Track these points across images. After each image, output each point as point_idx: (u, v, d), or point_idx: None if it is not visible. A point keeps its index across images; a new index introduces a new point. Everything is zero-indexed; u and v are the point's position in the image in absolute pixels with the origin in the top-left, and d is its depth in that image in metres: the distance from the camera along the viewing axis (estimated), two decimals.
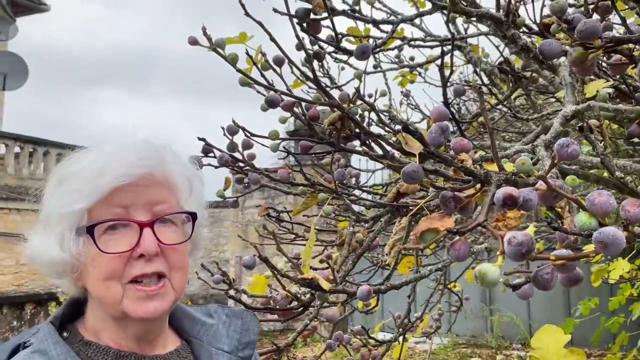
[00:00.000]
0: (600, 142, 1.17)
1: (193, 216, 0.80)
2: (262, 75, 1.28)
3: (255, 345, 0.91)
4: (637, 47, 0.87)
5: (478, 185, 0.68)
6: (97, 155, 0.74)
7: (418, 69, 2.36)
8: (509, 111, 1.61)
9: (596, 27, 0.66)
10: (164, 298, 0.74)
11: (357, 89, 1.05)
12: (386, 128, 1.99)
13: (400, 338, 2.03)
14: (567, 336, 1.29)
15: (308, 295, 1.11)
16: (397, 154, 1.20)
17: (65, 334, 0.74)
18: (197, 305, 0.93)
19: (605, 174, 1.66)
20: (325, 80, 2.34)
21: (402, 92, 2.46)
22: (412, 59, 2.35)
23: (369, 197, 1.89)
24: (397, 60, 2.21)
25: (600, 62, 1.05)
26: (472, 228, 0.60)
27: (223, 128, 1.33)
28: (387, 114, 2.55)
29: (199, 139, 1.34)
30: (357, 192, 1.71)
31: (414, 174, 0.67)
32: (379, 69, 2.27)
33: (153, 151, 0.76)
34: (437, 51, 2.30)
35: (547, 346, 1.30)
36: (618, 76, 1.07)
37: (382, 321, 2.42)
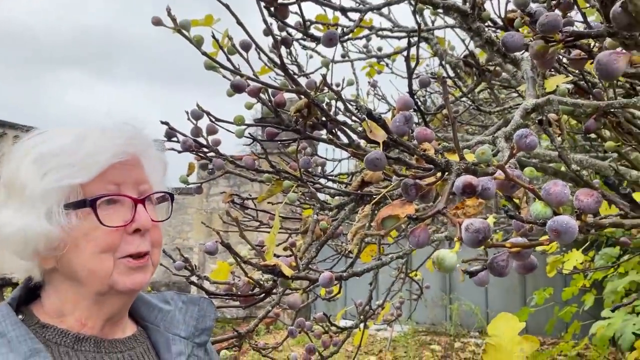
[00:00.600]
0: (558, 136, 1.21)
1: (171, 196, 0.84)
2: (229, 60, 1.26)
3: (211, 332, 0.92)
4: (596, 43, 0.90)
5: (439, 174, 0.69)
6: (83, 133, 0.75)
7: (385, 59, 2.38)
8: (472, 104, 1.63)
9: (557, 21, 0.67)
10: (146, 271, 0.77)
11: (324, 77, 1.04)
12: (353, 117, 2.00)
13: (362, 325, 2.05)
14: (522, 324, 1.33)
15: (270, 282, 1.11)
16: (362, 142, 1.21)
17: (20, 317, 0.73)
18: (152, 292, 0.92)
19: (563, 168, 1.72)
20: (293, 68, 2.32)
21: (369, 82, 2.47)
22: (379, 49, 2.36)
23: (335, 185, 1.90)
24: (365, 50, 2.22)
25: (560, 57, 1.07)
26: (431, 215, 0.61)
27: (187, 112, 1.31)
28: (354, 104, 2.56)
29: (162, 122, 1.31)
30: (322, 180, 1.72)
31: (377, 161, 0.68)
32: (347, 58, 2.27)
33: (137, 133, 0.80)
34: (404, 42, 2.32)
35: (502, 333, 1.34)
36: (577, 72, 1.10)
37: (345, 308, 2.45)
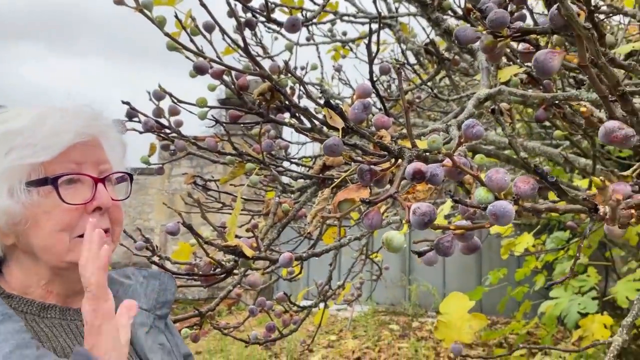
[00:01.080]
0: (509, 125, 1.27)
1: (130, 177, 0.85)
2: (192, 41, 1.26)
3: (172, 305, 0.94)
4: (545, 37, 0.95)
5: (392, 160, 0.72)
6: (44, 113, 0.76)
7: (350, 44, 2.40)
8: (432, 91, 1.68)
9: (505, 18, 0.71)
10: (109, 248, 0.77)
11: (287, 62, 1.06)
12: (317, 101, 2.02)
13: (322, 305, 2.11)
14: (472, 302, 1.41)
15: (232, 263, 1.13)
16: (325, 127, 1.24)
17: None
18: (114, 270, 0.94)
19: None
20: (257, 49, 2.32)
21: (334, 67, 2.49)
22: (344, 33, 2.38)
23: (297, 168, 1.92)
24: (329, 34, 2.24)
25: (513, 50, 1.13)
26: (384, 199, 0.64)
27: (149, 93, 1.31)
28: (318, 87, 2.58)
29: (124, 102, 1.30)
30: (286, 163, 1.74)
31: (334, 147, 0.71)
32: (311, 41, 2.28)
33: (97, 114, 0.81)
34: (369, 28, 2.35)
35: (453, 311, 1.41)
36: (527, 63, 1.15)
37: (306, 288, 2.49)
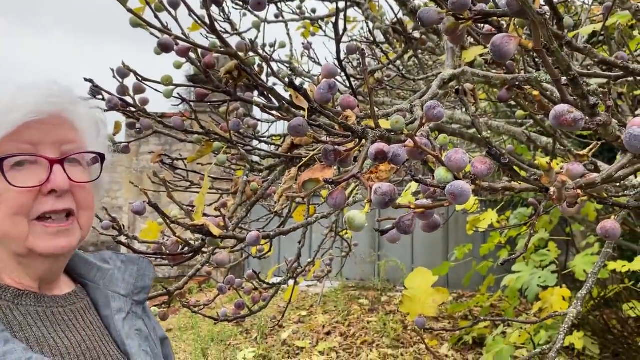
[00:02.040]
0: (472, 105, 1.30)
1: (102, 157, 0.81)
2: (156, 17, 1.23)
3: (149, 290, 0.94)
4: (507, 19, 0.97)
5: (357, 140, 0.74)
6: (2, 91, 0.72)
7: (320, 22, 2.39)
8: (399, 71, 1.70)
9: (466, 0, 0.72)
10: (72, 235, 0.75)
11: (252, 41, 1.06)
12: (283, 80, 2.01)
13: (291, 281, 2.13)
14: (435, 277, 1.45)
15: (199, 242, 1.14)
16: (291, 107, 1.24)
17: None
18: (89, 253, 0.93)
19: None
20: (225, 26, 2.29)
21: (303, 45, 2.47)
22: (313, 11, 2.36)
23: (266, 147, 1.92)
24: (298, 11, 2.22)
25: (478, 31, 1.14)
26: (347, 179, 0.66)
27: (113, 70, 1.28)
28: (288, 65, 2.56)
29: (86, 80, 1.27)
30: (255, 142, 1.74)
31: (299, 127, 0.71)
32: (280, 18, 2.26)
33: (60, 91, 0.76)
34: (340, 5, 2.33)
35: (418, 286, 1.46)
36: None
37: (277, 266, 2.52)
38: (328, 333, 4.76)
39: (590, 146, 0.69)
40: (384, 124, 0.81)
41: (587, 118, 0.54)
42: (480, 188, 0.67)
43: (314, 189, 0.73)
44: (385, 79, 2.06)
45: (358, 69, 3.19)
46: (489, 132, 2.31)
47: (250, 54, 1.74)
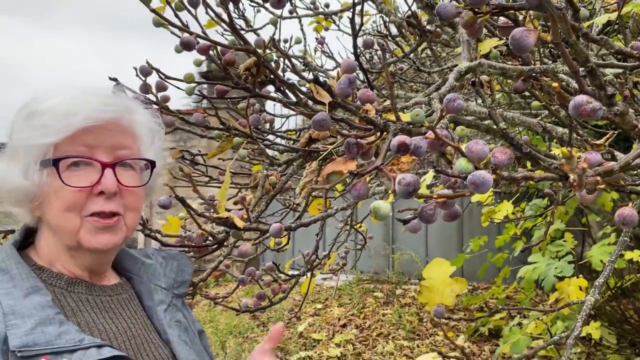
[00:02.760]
0: (489, 97, 1.31)
1: (152, 164, 0.86)
2: (176, 16, 1.26)
3: (188, 284, 0.99)
4: (523, 12, 0.98)
5: (378, 133, 0.76)
6: (66, 96, 0.77)
7: (333, 16, 2.40)
8: (414, 64, 1.71)
9: None
10: (116, 232, 0.80)
11: (272, 38, 1.08)
12: (303, 75, 2.03)
13: (308, 273, 2.17)
14: (453, 267, 1.47)
15: (223, 234, 1.17)
16: (310, 102, 1.27)
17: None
18: (134, 249, 0.99)
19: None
20: (240, 22, 2.31)
21: (317, 39, 2.49)
22: (327, 5, 2.38)
23: (283, 142, 1.95)
24: (312, 6, 2.24)
25: (494, 24, 1.16)
26: (370, 170, 0.68)
27: (135, 69, 1.31)
28: (302, 60, 2.59)
29: (111, 78, 1.31)
30: (271, 137, 1.77)
31: (323, 122, 0.74)
32: (294, 14, 2.28)
33: (119, 99, 0.82)
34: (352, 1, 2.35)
35: (436, 276, 1.48)
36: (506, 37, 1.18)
37: (292, 259, 2.55)
38: (344, 325, 4.80)
39: (607, 135, 0.71)
40: (404, 116, 0.83)
41: (605, 108, 0.56)
42: (501, 177, 0.69)
43: (338, 181, 0.76)
44: (399, 72, 2.08)
45: (369, 62, 3.20)
46: (504, 123, 2.31)
47: (267, 50, 1.77)
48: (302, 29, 2.49)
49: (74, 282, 0.79)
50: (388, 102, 1.42)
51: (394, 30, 2.26)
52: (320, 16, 2.41)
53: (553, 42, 0.56)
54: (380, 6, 1.92)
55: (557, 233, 3.37)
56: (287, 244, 1.87)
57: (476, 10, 0.78)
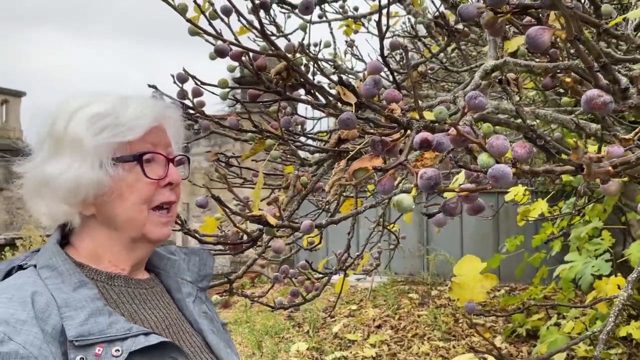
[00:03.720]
0: (516, 94, 1.32)
1: (188, 159, 0.97)
2: (210, 24, 1.32)
3: (211, 277, 1.04)
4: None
5: (402, 131, 0.79)
6: (129, 98, 0.86)
7: (362, 19, 2.44)
8: (442, 64, 1.73)
9: None
10: (171, 225, 0.90)
11: (301, 43, 1.13)
12: (331, 78, 2.08)
13: (341, 272, 2.20)
14: (483, 264, 1.49)
15: (257, 232, 1.22)
16: (339, 103, 1.31)
17: None
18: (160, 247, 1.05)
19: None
20: (271, 28, 2.38)
21: (346, 42, 2.53)
22: (356, 9, 2.42)
23: (314, 143, 2.00)
24: (341, 10, 2.28)
25: (518, 23, 1.17)
26: (395, 166, 0.72)
27: (173, 76, 1.38)
28: (332, 63, 2.63)
29: (150, 86, 1.38)
30: (302, 138, 1.81)
31: (348, 121, 0.78)
32: (324, 18, 2.32)
33: (167, 104, 0.94)
34: (382, 2, 2.38)
35: (466, 272, 1.50)
36: None
37: (326, 258, 2.59)
38: (379, 326, 4.81)
39: (636, 130, 0.72)
40: (428, 115, 0.86)
41: (621, 101, 0.58)
42: (522, 171, 0.71)
43: (364, 177, 0.79)
44: (429, 72, 2.09)
45: (401, 63, 3.22)
46: (537, 120, 2.30)
47: (297, 54, 1.82)
48: (331, 33, 2.53)
49: (113, 277, 0.84)
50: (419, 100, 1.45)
51: (423, 31, 2.28)
52: (350, 19, 2.45)
53: (567, 39, 0.59)
54: (408, 7, 1.94)
55: (595, 231, 3.30)
56: (320, 243, 1.91)
57: (497, 10, 0.81)
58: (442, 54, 1.98)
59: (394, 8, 2.79)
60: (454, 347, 4.20)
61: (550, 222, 4.07)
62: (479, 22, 1.46)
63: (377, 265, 3.03)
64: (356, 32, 2.58)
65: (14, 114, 10.25)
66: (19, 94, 9.60)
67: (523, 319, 4.10)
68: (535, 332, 3.86)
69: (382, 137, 0.78)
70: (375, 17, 2.53)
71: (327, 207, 2.10)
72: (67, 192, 0.81)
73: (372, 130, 0.81)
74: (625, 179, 0.79)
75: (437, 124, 0.80)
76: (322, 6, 2.37)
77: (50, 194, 0.81)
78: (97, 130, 0.81)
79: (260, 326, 4.97)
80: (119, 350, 0.72)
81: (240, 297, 1.85)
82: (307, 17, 1.95)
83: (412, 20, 2.09)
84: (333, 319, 4.90)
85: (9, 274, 0.81)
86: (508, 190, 2.86)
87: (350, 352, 4.21)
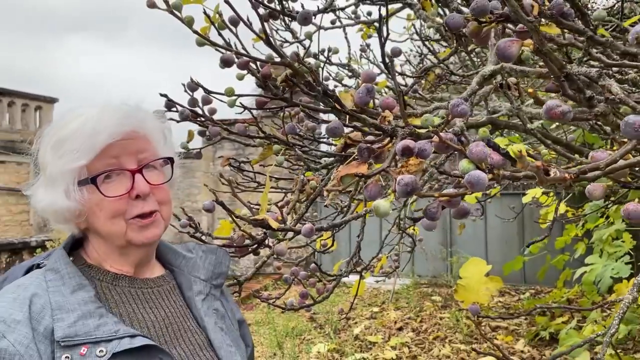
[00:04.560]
0: (517, 98, 1.33)
1: (171, 160, 0.97)
2: (220, 34, 1.38)
3: (226, 276, 1.09)
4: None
5: (388, 138, 0.82)
6: (86, 118, 0.87)
7: (376, 24, 2.46)
8: (447, 69, 1.74)
9: (485, 6, 0.78)
10: (157, 226, 0.91)
11: (297, 54, 1.16)
12: (343, 83, 2.11)
13: (356, 276, 2.23)
14: (489, 266, 1.50)
15: (262, 235, 1.27)
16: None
17: (71, 259, 0.90)
18: (178, 244, 1.10)
19: (529, 125, 1.83)
20: (286, 35, 2.42)
21: (360, 47, 2.56)
22: (369, 14, 2.44)
23: (325, 147, 2.03)
24: (353, 15, 2.31)
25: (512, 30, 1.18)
26: (377, 173, 0.75)
27: (184, 85, 1.44)
28: (347, 67, 2.66)
29: (161, 95, 1.44)
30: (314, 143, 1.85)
31: (335, 129, 0.82)
32: (337, 24, 2.36)
33: (132, 111, 0.92)
34: (395, 6, 2.40)
35: (471, 275, 1.51)
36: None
37: (341, 261, 2.62)
38: (400, 329, 4.80)
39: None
40: (416, 121, 0.89)
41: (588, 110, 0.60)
42: (502, 177, 0.73)
43: (350, 183, 0.83)
44: (447, 75, 2.11)
45: (419, 66, 3.22)
46: (555, 123, 2.28)
47: (313, 60, 1.86)
48: (346, 38, 2.56)
49: (118, 277, 0.91)
50: (437, 102, 1.47)
51: (432, 35, 2.30)
52: (364, 24, 2.48)
53: (535, 50, 0.61)
54: (418, 12, 1.96)
55: (619, 234, 3.24)
56: (333, 245, 1.95)
57: (480, 20, 0.83)
58: (454, 58, 1.99)
59: (409, 11, 2.81)
60: (475, 350, 4.17)
61: (574, 224, 4.00)
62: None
63: (396, 267, 3.04)
64: (370, 36, 2.61)
65: (47, 120, 10.64)
66: (52, 100, 9.92)
67: (547, 322, 4.05)
68: (558, 335, 3.79)
69: (368, 144, 0.82)
70: (392, 19, 2.55)
71: (344, 210, 2.14)
72: (49, 215, 0.89)
73: (358, 139, 0.84)
74: (610, 183, 0.80)
75: (426, 131, 0.83)
76: (337, 12, 2.41)
77: (46, 214, 0.89)
78: (59, 157, 0.85)
79: (282, 327, 5.02)
80: (102, 351, 0.77)
81: (265, 300, 1.90)
82: (318, 21, 1.98)
83: (416, 28, 2.11)
84: (354, 321, 4.92)
85: (29, 270, 0.89)
86: (525, 193, 2.83)
87: (371, 354, 4.22)
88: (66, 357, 0.76)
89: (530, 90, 0.62)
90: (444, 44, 2.17)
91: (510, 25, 1.08)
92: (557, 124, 2.76)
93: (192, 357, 0.89)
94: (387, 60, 0.88)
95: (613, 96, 0.88)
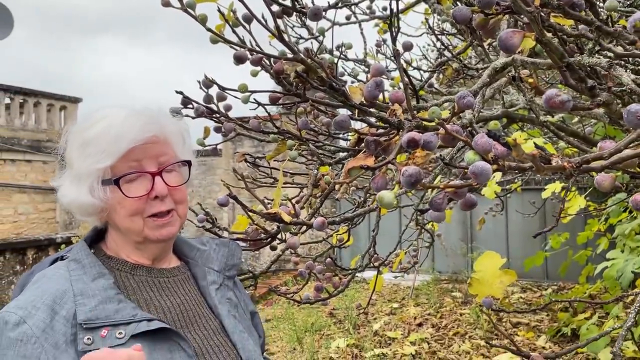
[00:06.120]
0: (531, 90, 1.33)
1: (189, 162, 1.03)
2: (234, 32, 1.40)
3: (238, 268, 1.13)
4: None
5: (395, 131, 0.83)
6: (111, 121, 0.93)
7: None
8: (461, 62, 1.74)
9: None
10: (173, 225, 0.98)
11: (308, 50, 1.18)
12: (356, 79, 2.12)
13: (374, 271, 2.24)
14: (503, 260, 1.49)
15: (275, 229, 1.29)
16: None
17: (92, 250, 0.96)
18: (195, 237, 1.14)
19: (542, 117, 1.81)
20: (301, 31, 2.43)
21: (376, 42, 2.56)
22: (384, 9, 2.44)
23: (340, 143, 2.04)
24: (368, 11, 2.31)
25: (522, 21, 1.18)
26: (382, 165, 0.76)
27: (199, 82, 1.46)
28: (363, 63, 2.67)
29: (177, 92, 1.47)
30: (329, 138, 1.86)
31: (342, 122, 0.83)
32: (352, 19, 2.36)
33: (154, 116, 0.98)
34: (412, 0, 2.40)
35: (486, 268, 1.51)
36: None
37: (358, 256, 2.63)
38: (420, 324, 4.79)
39: None
40: (424, 114, 0.89)
41: (590, 99, 0.60)
42: (508, 168, 0.74)
43: (357, 175, 0.84)
44: (465, 69, 2.10)
45: (437, 60, 3.21)
46: (543, 116, 2.25)
47: (328, 56, 1.87)
48: (362, 33, 2.57)
49: (136, 267, 0.97)
50: (452, 97, 1.47)
51: (448, 28, 2.29)
52: (380, 19, 2.48)
53: (536, 40, 0.61)
54: (433, 6, 1.96)
55: None
56: (348, 240, 1.96)
57: (486, 12, 0.84)
58: (469, 51, 1.98)
59: (425, 5, 2.80)
60: (489, 343, 4.14)
61: (596, 219, 3.94)
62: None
63: (414, 263, 3.03)
64: (386, 31, 2.60)
65: (72, 120, 10.87)
66: (76, 100, 10.11)
67: (569, 318, 4.00)
68: (579, 331, 3.74)
69: (375, 137, 0.83)
70: (408, 13, 2.54)
71: (363, 204, 2.15)
72: (74, 208, 0.95)
73: (366, 132, 0.85)
74: (619, 173, 0.80)
75: (433, 123, 0.84)
76: (353, 8, 2.41)
77: (71, 208, 0.95)
78: (85, 157, 0.92)
79: (302, 323, 5.05)
80: (121, 333, 0.83)
81: (282, 294, 1.92)
82: (332, 17, 1.99)
83: (431, 22, 2.10)
84: (374, 317, 4.92)
85: (54, 262, 0.95)
86: (545, 188, 2.80)
87: (390, 350, 4.23)
88: (88, 338, 0.81)
89: (530, 80, 0.62)
90: (461, 37, 2.16)
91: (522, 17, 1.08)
92: (578, 117, 2.73)
93: (206, 341, 0.94)
94: (395, 54, 0.88)
95: (624, 87, 0.88)
